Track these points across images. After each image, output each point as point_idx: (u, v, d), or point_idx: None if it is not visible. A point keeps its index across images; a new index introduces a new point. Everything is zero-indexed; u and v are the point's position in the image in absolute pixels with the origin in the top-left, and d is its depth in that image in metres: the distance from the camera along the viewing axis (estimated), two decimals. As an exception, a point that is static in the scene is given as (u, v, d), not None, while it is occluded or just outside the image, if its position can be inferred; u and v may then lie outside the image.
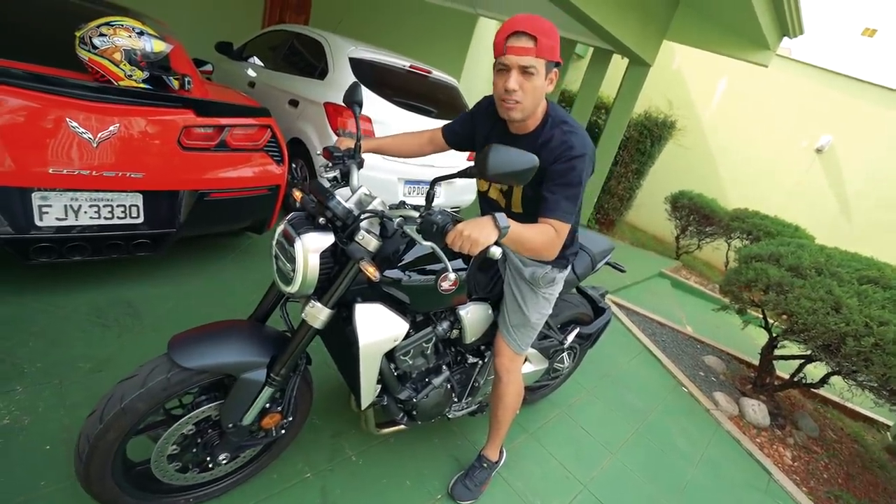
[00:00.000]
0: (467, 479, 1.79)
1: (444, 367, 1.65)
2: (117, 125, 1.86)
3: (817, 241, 5.81)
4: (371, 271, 1.11)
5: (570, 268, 1.72)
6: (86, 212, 1.91)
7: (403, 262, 1.33)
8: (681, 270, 6.76)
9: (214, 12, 6.58)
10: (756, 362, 3.95)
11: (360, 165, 1.50)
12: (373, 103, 3.38)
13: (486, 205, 1.60)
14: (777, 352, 3.38)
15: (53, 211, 1.84)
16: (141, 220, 2.07)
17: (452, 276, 1.16)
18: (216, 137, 2.23)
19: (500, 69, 1.24)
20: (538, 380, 2.15)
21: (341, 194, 1.24)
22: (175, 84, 2.09)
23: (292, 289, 1.19)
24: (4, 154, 1.67)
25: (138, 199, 2.03)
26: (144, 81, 1.95)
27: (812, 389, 3.26)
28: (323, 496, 1.61)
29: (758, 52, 5.64)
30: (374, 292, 1.33)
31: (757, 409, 3.16)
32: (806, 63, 7.56)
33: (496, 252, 1.08)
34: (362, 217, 1.20)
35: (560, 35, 1.26)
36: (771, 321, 3.38)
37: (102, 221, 1.96)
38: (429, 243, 1.12)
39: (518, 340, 1.66)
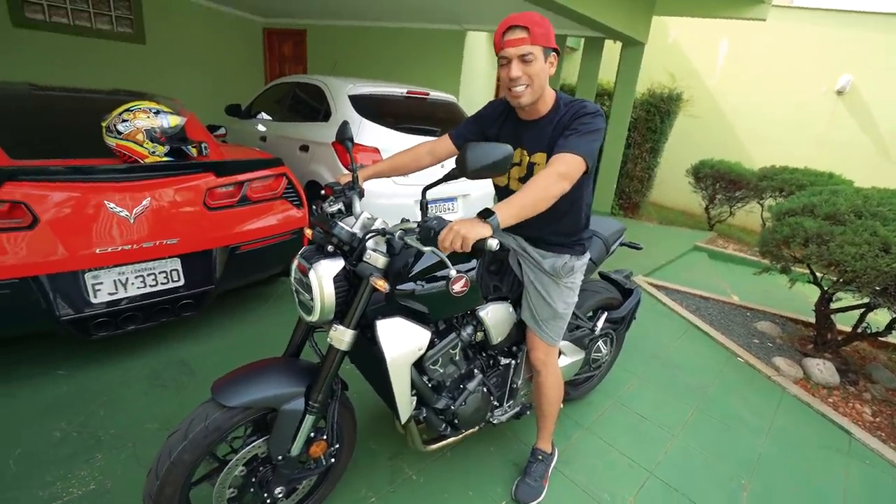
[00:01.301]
0: (527, 476, 1.79)
1: (476, 371, 1.67)
2: (148, 199, 2.01)
3: (856, 185, 5.59)
4: (381, 284, 1.18)
5: (587, 254, 1.73)
6: (133, 283, 2.06)
7: (414, 274, 1.39)
8: (716, 240, 6.54)
9: (220, 80, 7.01)
10: (812, 320, 3.78)
11: (361, 195, 1.58)
12: (377, 134, 3.50)
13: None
14: (832, 305, 3.22)
15: (105, 287, 1.99)
16: (182, 282, 2.21)
17: (455, 273, 1.20)
18: (237, 193, 2.37)
19: (503, 63, 1.35)
20: (578, 372, 2.14)
21: (345, 222, 1.32)
22: (193, 152, 2.25)
23: (314, 317, 1.26)
24: (56, 243, 1.84)
25: (177, 263, 2.18)
26: (167, 155, 2.12)
27: (880, 339, 3.08)
28: (390, 517, 1.65)
29: (752, 7, 5.52)
30: (392, 308, 1.39)
31: (823, 368, 3.01)
32: (808, 7, 7.32)
33: (493, 244, 1.12)
34: (367, 237, 1.27)
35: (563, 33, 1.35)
36: (819, 274, 3.24)
37: (148, 289, 2.11)
38: (429, 248, 1.17)
39: (550, 332, 1.67)
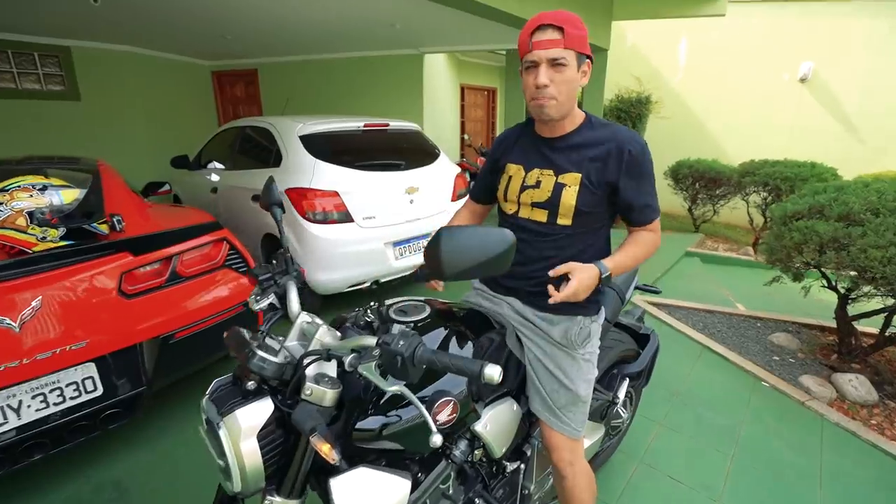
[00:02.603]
0: None
1: (476, 494, 1.28)
2: (40, 298, 1.59)
3: (839, 173, 5.46)
4: (326, 451, 0.78)
5: (602, 311, 1.39)
6: (29, 405, 1.62)
7: (384, 400, 1.00)
8: (705, 242, 6.33)
9: (169, 130, 6.57)
10: (829, 324, 3.50)
11: (300, 280, 1.21)
12: (335, 175, 3.14)
13: (520, 233, 1.22)
14: (851, 308, 2.95)
15: (-10, 418, 1.55)
16: (99, 391, 1.77)
17: (434, 432, 0.83)
18: (165, 271, 1.96)
19: (529, 67, 1.16)
20: (598, 450, 1.77)
21: (269, 346, 0.92)
22: (104, 229, 1.84)
23: (234, 489, 0.86)
24: None
25: (90, 370, 1.75)
26: (64, 238, 1.70)
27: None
28: None
29: (710, 4, 5.43)
30: (353, 451, 0.99)
31: (857, 385, 2.70)
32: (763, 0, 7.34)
33: (494, 376, 0.76)
34: (305, 362, 0.89)
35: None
36: (833, 278, 2.97)
37: (53, 409, 1.67)
38: (395, 387, 0.80)
39: (572, 423, 1.31)
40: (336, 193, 3.09)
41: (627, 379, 1.73)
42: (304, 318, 1.03)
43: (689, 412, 2.50)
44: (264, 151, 3.62)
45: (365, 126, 3.52)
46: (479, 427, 1.18)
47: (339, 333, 1.00)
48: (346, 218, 3.13)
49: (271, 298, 1.17)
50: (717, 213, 6.72)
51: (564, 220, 1.24)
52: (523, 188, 1.28)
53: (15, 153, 3.14)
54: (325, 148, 3.29)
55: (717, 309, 3.84)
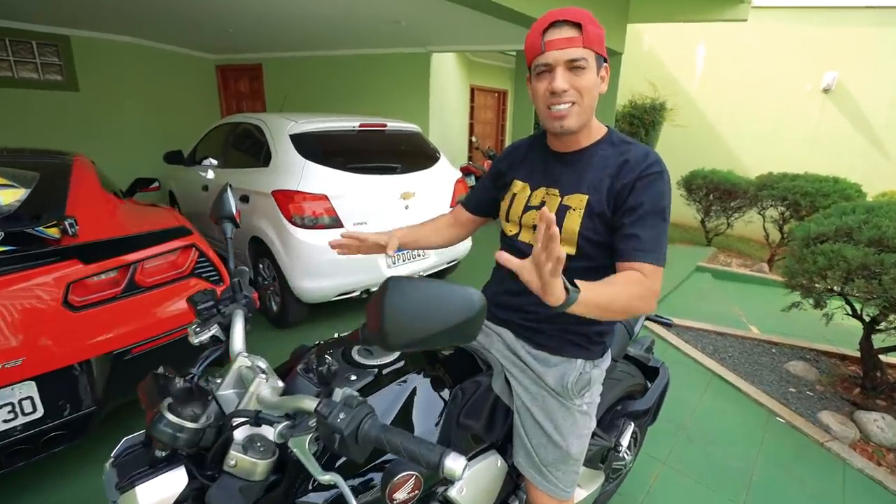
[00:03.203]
0: None
1: None
2: (-32, 311, 1.43)
3: (864, 189, 5.18)
4: None
5: (608, 353, 1.19)
6: (-44, 429, 1.46)
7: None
8: (717, 257, 6.07)
9: (171, 124, 6.44)
10: (851, 352, 3.26)
11: (251, 308, 1.03)
12: (324, 178, 2.96)
13: (520, 258, 1.09)
14: (877, 339, 2.70)
15: None
16: (40, 412, 1.60)
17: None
18: (122, 280, 1.79)
19: (541, 71, 0.99)
20: (597, 497, 1.57)
21: (186, 410, 0.73)
22: (53, 233, 1.67)
23: None
24: None
25: (29, 389, 1.58)
26: (3, 243, 1.54)
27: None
28: None
29: (732, 8, 5.18)
30: None
31: (884, 426, 2.46)
32: (786, 7, 7.05)
33: (457, 472, 0.56)
34: (234, 423, 0.70)
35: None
36: (859, 306, 2.72)
37: (-16, 433, 1.50)
38: (327, 477, 0.62)
39: (560, 483, 1.12)
40: (325, 197, 2.91)
41: (633, 424, 1.53)
42: (243, 360, 0.84)
43: (697, 450, 2.28)
44: (255, 150, 3.45)
45: (361, 126, 3.34)
46: (453, 493, 0.99)
47: (281, 384, 0.81)
48: (336, 223, 2.95)
49: (214, 330, 1.00)
50: (731, 226, 6.45)
51: (568, 249, 1.05)
52: (527, 208, 1.11)
53: (8, 144, 3.02)
54: (317, 148, 3.11)
55: (729, 331, 3.60)
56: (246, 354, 0.85)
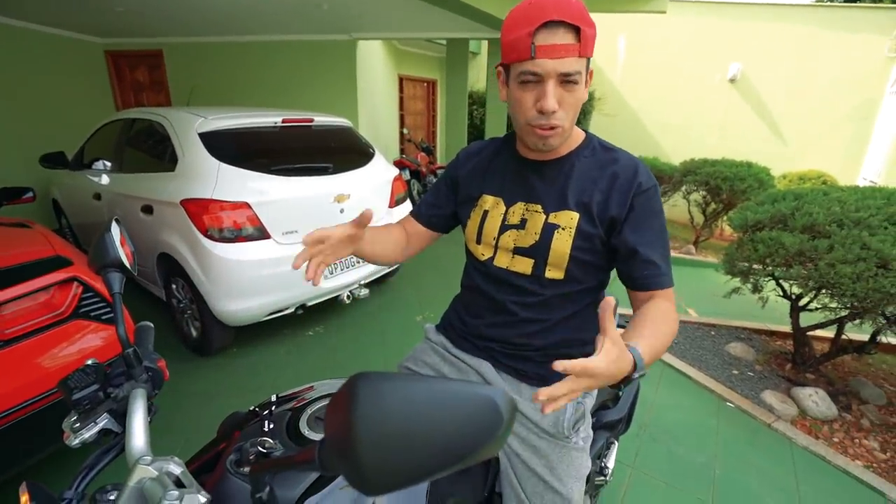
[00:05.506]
0: None
1: None
2: None
3: (772, 173, 5.61)
4: None
5: None
6: None
7: None
8: (648, 240, 6.34)
9: (49, 122, 5.47)
10: (778, 328, 3.47)
11: (157, 383, 0.76)
12: (244, 182, 2.58)
13: (493, 285, 0.99)
14: (803, 317, 2.86)
15: None
16: None
17: None
18: (-30, 334, 1.36)
19: (526, 80, 0.81)
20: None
21: None
22: None
23: None
24: None
25: None
26: None
27: (863, 354, 2.75)
28: None
29: (652, 0, 5.32)
30: None
31: (818, 400, 2.60)
32: (696, 1, 7.46)
33: None
34: None
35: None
36: (786, 286, 2.86)
37: None
38: None
39: None
40: (247, 205, 2.53)
41: (615, 441, 1.41)
42: (145, 471, 0.56)
43: (661, 449, 2.25)
44: (158, 151, 2.95)
45: (284, 122, 2.96)
46: None
47: (204, 499, 0.53)
48: (261, 234, 2.59)
49: (103, 422, 0.71)
50: (658, 210, 6.77)
51: (555, 273, 0.92)
52: (504, 228, 0.95)
53: None
54: (233, 148, 2.70)
55: (671, 317, 3.70)
56: (150, 458, 0.58)
